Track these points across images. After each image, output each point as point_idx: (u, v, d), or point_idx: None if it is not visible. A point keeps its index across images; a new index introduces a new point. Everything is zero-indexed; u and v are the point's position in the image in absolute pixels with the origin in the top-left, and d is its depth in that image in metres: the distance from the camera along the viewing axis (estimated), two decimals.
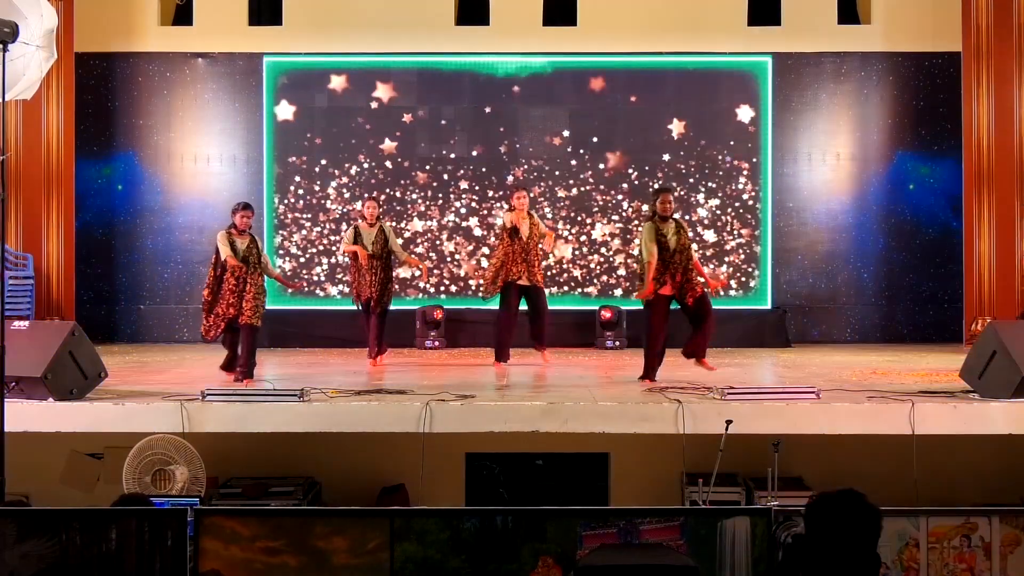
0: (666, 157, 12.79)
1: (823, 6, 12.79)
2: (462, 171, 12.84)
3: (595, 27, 12.72)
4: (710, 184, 12.80)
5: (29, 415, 6.60)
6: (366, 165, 12.83)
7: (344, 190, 12.82)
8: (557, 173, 12.81)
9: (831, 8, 12.79)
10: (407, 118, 12.84)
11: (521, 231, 9.44)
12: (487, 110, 12.85)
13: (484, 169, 12.85)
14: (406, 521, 3.63)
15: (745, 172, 12.78)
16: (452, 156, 12.85)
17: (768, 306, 12.71)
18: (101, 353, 7.35)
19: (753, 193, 12.74)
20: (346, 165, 12.84)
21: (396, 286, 9.82)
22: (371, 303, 9.55)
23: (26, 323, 7.36)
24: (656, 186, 11.46)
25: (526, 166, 12.83)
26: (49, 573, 3.52)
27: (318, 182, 12.85)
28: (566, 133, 12.83)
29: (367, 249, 9.54)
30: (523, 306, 9.68)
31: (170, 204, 12.91)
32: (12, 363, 6.10)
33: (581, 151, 12.82)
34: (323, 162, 12.85)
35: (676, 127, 12.81)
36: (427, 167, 12.84)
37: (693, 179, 12.80)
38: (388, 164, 12.83)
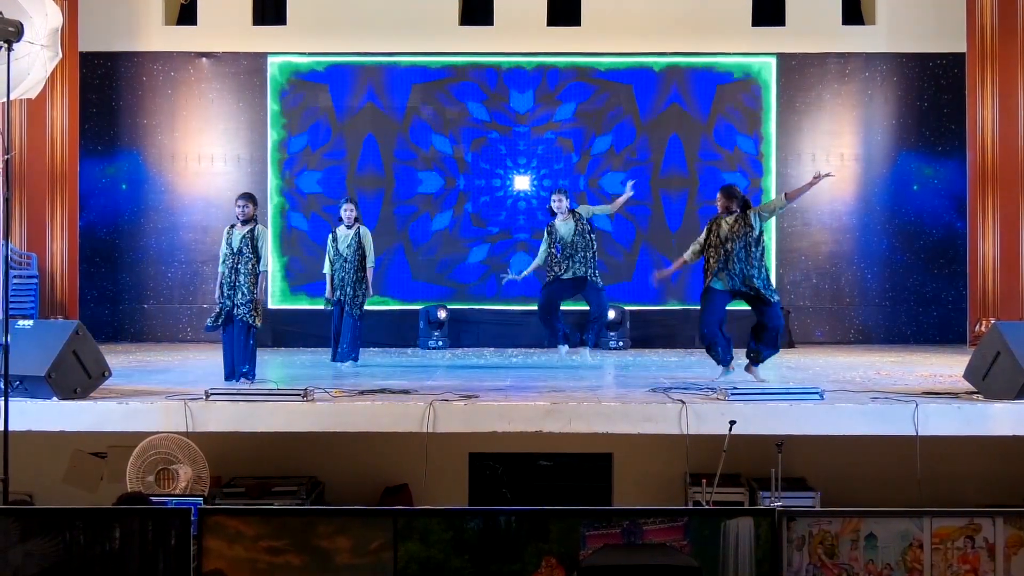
0: (669, 157, 12.78)
1: (827, 7, 12.77)
2: (465, 170, 12.84)
3: (599, 27, 12.71)
4: (713, 184, 12.77)
5: (33, 414, 6.61)
6: (368, 165, 12.83)
7: (345, 190, 12.81)
8: (559, 172, 12.79)
9: (835, 9, 12.77)
10: (410, 118, 12.83)
11: (562, 233, 9.34)
12: (491, 110, 12.85)
13: (486, 168, 12.84)
14: (409, 521, 3.63)
15: (749, 172, 12.77)
16: (455, 156, 12.84)
17: None
18: (105, 352, 7.36)
19: (757, 193, 12.71)
20: (348, 165, 12.83)
21: (370, 290, 9.75)
22: (343, 304, 9.55)
23: (30, 322, 7.36)
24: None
25: (529, 166, 12.82)
26: (52, 572, 3.53)
27: (319, 182, 12.84)
28: (569, 133, 12.81)
29: (342, 253, 9.54)
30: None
31: (174, 203, 12.92)
32: (16, 362, 6.12)
33: (584, 150, 12.81)
34: (325, 162, 12.84)
35: (679, 127, 12.79)
36: (430, 166, 12.84)
37: (696, 179, 12.78)
38: (391, 164, 12.83)
